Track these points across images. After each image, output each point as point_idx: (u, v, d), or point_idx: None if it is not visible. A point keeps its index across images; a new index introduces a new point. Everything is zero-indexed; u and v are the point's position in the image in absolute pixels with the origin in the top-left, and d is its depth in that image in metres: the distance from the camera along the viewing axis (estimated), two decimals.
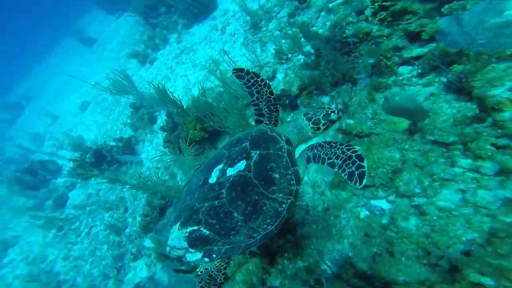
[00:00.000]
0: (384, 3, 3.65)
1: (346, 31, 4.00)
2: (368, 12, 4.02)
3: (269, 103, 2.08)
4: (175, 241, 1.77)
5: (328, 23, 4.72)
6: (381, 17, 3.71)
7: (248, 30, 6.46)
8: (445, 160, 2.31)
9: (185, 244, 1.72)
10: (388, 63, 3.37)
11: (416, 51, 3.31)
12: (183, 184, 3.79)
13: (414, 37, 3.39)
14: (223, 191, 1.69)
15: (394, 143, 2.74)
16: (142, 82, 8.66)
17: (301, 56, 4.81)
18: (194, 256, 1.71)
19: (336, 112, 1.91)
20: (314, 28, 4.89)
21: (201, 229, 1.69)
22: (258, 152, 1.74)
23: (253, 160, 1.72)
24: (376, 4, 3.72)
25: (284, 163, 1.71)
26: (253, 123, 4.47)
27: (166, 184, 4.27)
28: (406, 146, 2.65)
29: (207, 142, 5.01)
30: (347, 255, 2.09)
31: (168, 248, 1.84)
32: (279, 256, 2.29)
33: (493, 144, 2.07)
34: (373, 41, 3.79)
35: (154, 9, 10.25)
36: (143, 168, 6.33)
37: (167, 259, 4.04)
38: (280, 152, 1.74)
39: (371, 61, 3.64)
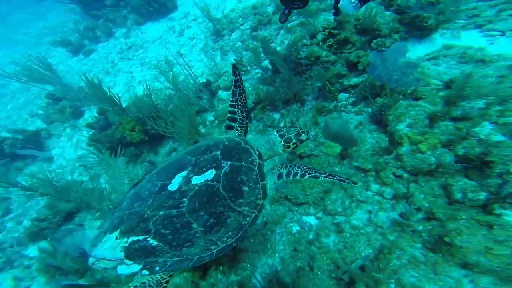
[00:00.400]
0: (332, 31, 4.04)
1: (301, 52, 4.32)
2: (319, 37, 4.41)
3: (244, 109, 2.13)
4: (107, 251, 1.60)
5: (286, 42, 5.02)
6: (329, 43, 4.10)
7: (210, 37, 6.46)
8: (362, 184, 2.75)
9: (120, 255, 1.59)
10: (332, 88, 3.76)
11: (353, 80, 3.76)
12: (107, 187, 3.67)
13: (352, 67, 3.85)
14: (185, 199, 1.59)
15: (328, 165, 3.12)
16: (71, 72, 8.08)
17: (258, 70, 5.04)
18: (130, 268, 1.58)
19: (306, 133, 1.98)
20: (273, 45, 5.14)
21: (148, 239, 1.57)
22: (229, 163, 1.70)
23: (223, 170, 1.67)
24: (326, 31, 4.09)
25: (254, 176, 1.71)
26: (202, 130, 4.68)
27: (83, 186, 4.03)
28: (337, 169, 3.05)
29: (146, 145, 4.92)
30: (276, 269, 2.38)
31: (92, 259, 1.66)
32: (213, 269, 2.44)
33: (393, 173, 2.54)
34: (321, 65, 4.18)
35: (98, 0, 9.48)
36: (53, 166, 5.85)
37: (58, 271, 3.67)
38: (251, 165, 1.74)
39: (318, 84, 4.02)
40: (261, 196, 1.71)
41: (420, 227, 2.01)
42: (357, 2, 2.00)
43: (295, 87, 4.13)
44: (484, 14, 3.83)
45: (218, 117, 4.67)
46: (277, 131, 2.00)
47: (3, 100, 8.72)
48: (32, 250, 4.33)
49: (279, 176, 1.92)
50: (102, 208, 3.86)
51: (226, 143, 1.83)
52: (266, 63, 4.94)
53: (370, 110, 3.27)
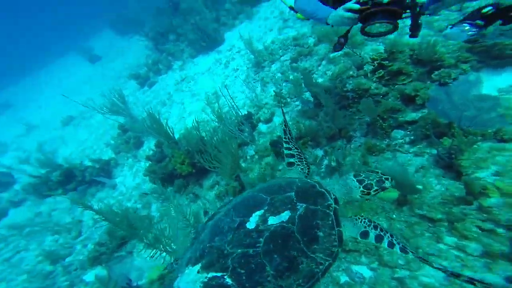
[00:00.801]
0: (383, 62, 3.81)
1: (347, 85, 4.13)
2: (367, 68, 4.19)
3: (297, 145, 2.28)
4: (188, 285, 1.57)
5: (329, 73, 4.89)
6: (380, 75, 3.85)
7: (251, 68, 6.70)
8: (430, 235, 2.30)
9: None
10: (384, 124, 3.43)
11: (411, 115, 3.37)
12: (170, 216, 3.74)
13: (409, 101, 3.49)
14: (261, 239, 1.57)
15: (383, 211, 2.73)
16: (138, 104, 8.91)
17: (299, 102, 4.95)
18: None
19: (389, 179, 1.87)
20: (314, 76, 5.06)
21: (225, 277, 1.53)
22: (304, 205, 1.68)
23: (298, 213, 1.65)
24: (375, 62, 3.88)
25: (330, 222, 1.66)
26: (243, 165, 4.59)
27: (137, 213, 4.08)
28: (394, 215, 2.64)
29: (192, 177, 5.06)
30: None
31: None
32: None
33: (478, 227, 2.08)
34: (371, 98, 3.90)
35: (164, 36, 10.77)
36: (115, 193, 6.24)
37: None
38: (327, 210, 1.70)
39: (367, 119, 3.72)
40: (336, 243, 1.63)
41: None
42: (469, 27, 1.77)
43: (340, 122, 3.88)
44: None
45: (259, 152, 4.60)
46: (354, 176, 1.94)
47: (90, 129, 10.00)
48: (90, 275, 4.52)
49: (364, 234, 1.77)
50: (147, 236, 3.87)
51: (299, 184, 1.83)
52: (307, 95, 4.84)
53: (435, 151, 2.83)
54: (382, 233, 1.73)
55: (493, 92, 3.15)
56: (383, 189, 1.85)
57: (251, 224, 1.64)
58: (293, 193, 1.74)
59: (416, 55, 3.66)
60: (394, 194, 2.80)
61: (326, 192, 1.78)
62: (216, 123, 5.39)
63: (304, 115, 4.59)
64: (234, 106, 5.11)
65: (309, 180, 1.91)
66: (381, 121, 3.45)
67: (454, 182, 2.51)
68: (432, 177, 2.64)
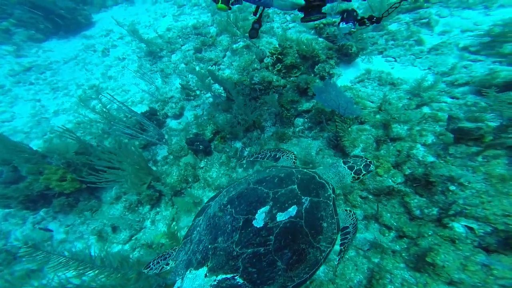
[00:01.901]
0: (279, 56, 4.31)
1: (254, 77, 4.41)
2: (267, 61, 4.63)
3: None
4: None
5: (235, 64, 5.03)
6: (278, 68, 4.36)
7: (144, 57, 5.84)
8: None
9: None
10: (288, 114, 4.01)
11: (306, 105, 4.11)
12: None
13: (303, 92, 4.21)
14: (271, 237, 1.56)
15: None
16: None
17: (209, 94, 4.88)
18: None
19: (372, 163, 2.03)
20: (221, 67, 5.07)
21: (236, 277, 1.53)
22: (309, 198, 1.69)
23: (304, 206, 1.66)
24: (274, 56, 4.32)
25: (331, 211, 1.73)
26: (155, 168, 4.24)
27: None
28: None
29: (84, 192, 4.24)
30: None
31: None
32: None
33: (360, 196, 2.93)
34: (274, 90, 4.40)
35: None
36: None
37: None
38: (328, 201, 1.75)
39: (274, 110, 4.21)
40: (336, 230, 1.73)
41: (397, 247, 2.41)
42: (351, 25, 2.29)
43: (253, 114, 4.20)
44: (380, 42, 4.78)
45: (174, 152, 4.28)
46: (344, 163, 2.05)
47: None
48: None
49: (344, 230, 1.96)
50: None
51: (299, 176, 1.81)
52: (217, 86, 4.83)
53: (326, 135, 3.64)
54: (349, 236, 1.94)
55: (347, 83, 4.32)
56: (369, 172, 2.01)
57: (258, 222, 1.60)
58: (296, 186, 1.74)
59: (301, 51, 4.34)
60: None
61: (325, 183, 1.83)
62: (105, 124, 4.51)
63: (218, 108, 4.61)
64: (120, 101, 4.36)
65: (307, 171, 1.91)
66: (285, 111, 3.99)
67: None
68: (328, 158, 3.41)
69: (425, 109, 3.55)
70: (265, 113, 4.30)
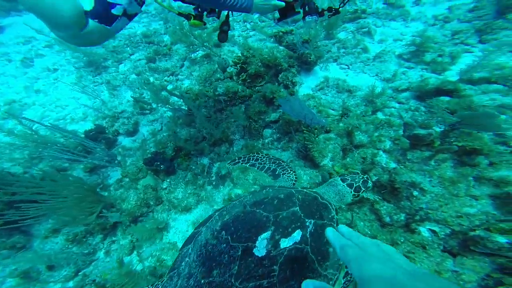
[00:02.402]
0: (243, 66, 4.19)
1: (218, 88, 4.19)
2: (230, 70, 4.46)
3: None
4: None
5: (195, 74, 4.71)
6: (243, 78, 4.24)
7: (84, 68, 5.04)
8: None
9: None
10: (256, 125, 3.93)
11: (273, 115, 4.10)
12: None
13: (269, 102, 4.18)
14: (275, 267, 1.36)
15: None
16: None
17: (167, 108, 4.49)
18: None
19: (370, 179, 1.97)
20: (180, 77, 4.69)
21: None
22: (313, 221, 1.53)
23: (308, 230, 1.49)
24: (238, 65, 4.18)
25: None
26: (106, 193, 3.73)
27: None
28: None
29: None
30: None
31: None
32: None
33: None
34: (240, 101, 4.27)
35: None
36: None
37: None
38: (332, 223, 1.61)
39: (242, 122, 4.09)
40: None
41: None
42: (316, 17, 2.35)
43: (219, 128, 4.01)
44: (333, 50, 5.10)
45: (130, 174, 3.81)
46: (342, 181, 1.97)
47: None
48: None
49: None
50: None
51: (300, 196, 1.66)
52: (174, 99, 4.46)
53: (294, 145, 3.68)
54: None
55: (309, 91, 4.48)
56: (367, 189, 1.96)
57: (260, 251, 1.41)
58: (298, 207, 1.58)
59: (264, 60, 4.32)
60: None
61: (328, 203, 1.71)
62: (33, 147, 3.76)
63: (179, 123, 4.26)
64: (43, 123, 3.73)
65: (307, 191, 1.78)
66: (253, 123, 3.90)
67: (312, 170, 3.43)
68: (300, 170, 3.45)
69: (379, 115, 3.88)
70: (233, 126, 4.15)
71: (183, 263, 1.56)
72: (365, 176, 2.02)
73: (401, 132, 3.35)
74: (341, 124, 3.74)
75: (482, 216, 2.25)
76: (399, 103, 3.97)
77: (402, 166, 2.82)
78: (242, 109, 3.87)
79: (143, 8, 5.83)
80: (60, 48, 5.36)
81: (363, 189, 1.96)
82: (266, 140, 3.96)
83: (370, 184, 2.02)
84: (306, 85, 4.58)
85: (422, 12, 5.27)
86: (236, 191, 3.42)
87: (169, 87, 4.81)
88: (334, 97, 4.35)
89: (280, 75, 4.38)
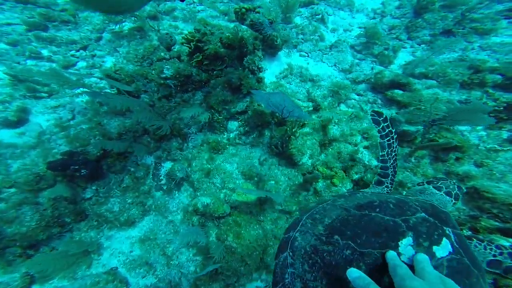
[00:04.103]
0: (199, 44, 3.30)
1: (165, 70, 3.15)
2: (180, 49, 3.44)
3: (395, 163, 1.90)
4: None
5: (121, 50, 3.42)
6: (198, 59, 3.35)
7: None
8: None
9: None
10: (220, 117, 3.24)
11: (239, 105, 3.47)
12: None
13: (235, 90, 3.50)
14: None
15: (252, 216, 2.82)
16: None
17: (81, 90, 3.12)
18: None
19: (458, 183, 1.83)
20: (98, 52, 3.28)
21: None
22: (451, 229, 1.36)
23: (453, 239, 1.31)
24: (192, 43, 3.25)
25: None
26: None
27: None
28: (261, 217, 2.83)
29: None
30: None
31: None
32: None
33: None
34: (194, 86, 3.38)
35: None
36: None
37: None
38: (460, 232, 1.43)
39: (200, 112, 3.27)
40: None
41: None
42: None
43: (169, 118, 3.09)
44: (291, 36, 4.85)
45: (22, 185, 2.55)
46: (438, 189, 1.82)
47: None
48: None
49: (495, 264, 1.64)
50: None
51: (416, 202, 1.44)
52: (95, 80, 3.13)
53: (266, 141, 3.23)
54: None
55: (273, 78, 4.09)
56: (462, 194, 1.83)
57: (409, 259, 1.17)
58: (423, 213, 1.37)
59: (225, 39, 3.57)
60: (252, 197, 2.89)
61: (448, 213, 1.50)
62: None
63: (102, 112, 3.04)
64: None
65: (422, 199, 1.59)
66: (216, 114, 3.19)
67: (290, 170, 3.08)
68: (276, 169, 3.04)
69: (342, 106, 3.88)
70: (187, 116, 3.27)
71: (286, 275, 1.29)
72: (453, 181, 1.88)
73: (365, 125, 3.41)
74: (314, 117, 3.52)
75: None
76: (359, 94, 4.08)
77: None
78: (199, 97, 3.06)
79: None
80: None
81: (460, 195, 1.83)
82: (232, 134, 3.34)
83: (464, 189, 1.96)
84: (270, 71, 4.12)
85: (364, 4, 5.54)
86: (203, 200, 2.71)
87: (81, 64, 3.35)
88: (298, 86, 4.09)
89: (246, 59, 3.69)
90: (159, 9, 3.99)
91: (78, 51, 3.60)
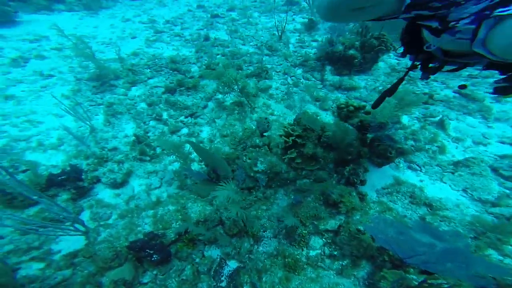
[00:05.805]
0: (297, 140, 3.16)
1: (259, 164, 3.10)
2: (269, 134, 3.42)
3: None
4: None
5: (220, 122, 3.63)
6: (291, 156, 3.18)
7: (87, 81, 4.16)
8: None
9: None
10: (304, 231, 2.79)
11: (330, 223, 2.95)
12: None
13: (330, 205, 3.05)
14: None
15: None
16: None
17: (179, 163, 3.31)
18: None
19: None
20: (199, 120, 3.60)
21: None
22: None
23: None
24: (290, 138, 3.15)
25: None
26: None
27: None
28: None
29: None
30: None
31: None
32: None
33: None
34: (279, 183, 3.15)
35: None
36: None
37: None
38: None
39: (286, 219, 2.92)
40: None
41: None
42: None
43: (248, 214, 2.83)
44: (397, 139, 4.11)
45: (101, 260, 2.53)
46: None
47: None
48: None
49: None
50: None
51: None
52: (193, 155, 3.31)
53: (360, 274, 2.50)
54: None
55: (372, 193, 3.39)
56: None
57: None
58: None
59: (327, 138, 3.30)
60: None
61: None
62: None
63: (185, 186, 3.06)
64: None
65: None
66: (302, 227, 2.76)
67: None
68: None
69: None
70: (264, 218, 2.97)
71: None
72: None
73: None
74: None
75: None
76: None
77: None
78: (280, 195, 2.73)
79: (177, 30, 4.92)
80: (69, 53, 4.45)
81: None
82: (313, 253, 2.77)
83: None
84: (369, 183, 3.51)
85: (509, 113, 4.44)
86: None
87: (184, 130, 3.69)
88: (406, 209, 3.29)
89: (348, 168, 3.26)
90: (259, 85, 4.22)
91: (186, 117, 4.04)
